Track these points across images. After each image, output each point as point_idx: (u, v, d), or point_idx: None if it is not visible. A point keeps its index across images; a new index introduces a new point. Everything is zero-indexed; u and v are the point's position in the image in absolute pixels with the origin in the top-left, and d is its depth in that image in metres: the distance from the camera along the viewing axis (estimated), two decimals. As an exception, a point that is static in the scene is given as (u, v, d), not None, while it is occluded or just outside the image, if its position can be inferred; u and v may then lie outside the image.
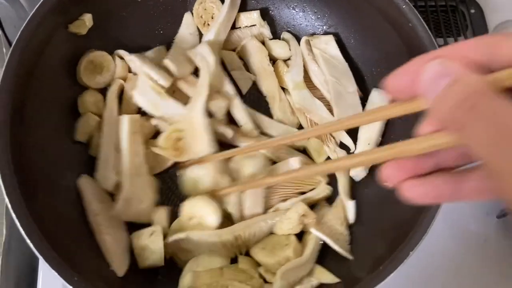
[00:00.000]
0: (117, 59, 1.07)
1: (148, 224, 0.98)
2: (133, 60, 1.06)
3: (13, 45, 0.87)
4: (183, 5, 1.17)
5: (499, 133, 0.40)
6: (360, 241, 0.98)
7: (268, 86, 1.13)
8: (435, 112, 0.49)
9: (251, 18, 1.16)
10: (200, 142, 0.98)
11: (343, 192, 1.03)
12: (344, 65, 1.11)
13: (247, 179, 1.00)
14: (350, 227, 1.01)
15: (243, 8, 1.18)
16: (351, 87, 1.09)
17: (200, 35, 1.17)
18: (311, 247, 0.94)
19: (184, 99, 1.05)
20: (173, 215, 1.00)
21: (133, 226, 0.98)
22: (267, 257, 0.93)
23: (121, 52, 1.07)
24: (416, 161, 0.55)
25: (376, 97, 1.08)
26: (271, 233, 0.98)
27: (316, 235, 0.94)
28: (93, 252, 0.92)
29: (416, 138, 0.54)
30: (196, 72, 1.08)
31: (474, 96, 0.43)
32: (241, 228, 0.93)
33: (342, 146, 1.10)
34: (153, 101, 1.03)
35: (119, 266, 0.92)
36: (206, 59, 1.05)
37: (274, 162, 1.06)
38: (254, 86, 1.15)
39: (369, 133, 1.05)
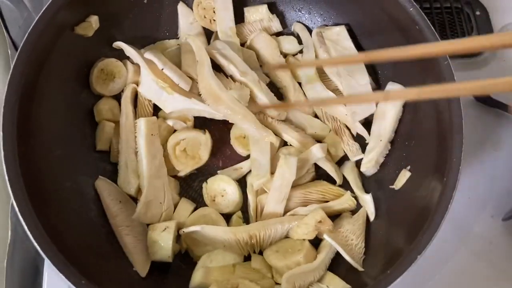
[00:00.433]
0: (129, 64, 1.07)
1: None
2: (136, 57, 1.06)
3: (19, 48, 0.87)
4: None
5: None
6: (369, 244, 0.98)
7: (282, 77, 1.13)
8: None
9: (259, 12, 1.16)
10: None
11: (357, 187, 1.04)
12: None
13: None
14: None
15: (251, 2, 1.18)
16: (363, 79, 1.08)
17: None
18: (323, 254, 0.94)
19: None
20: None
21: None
22: (277, 260, 0.94)
23: (128, 49, 1.07)
24: None
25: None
26: (286, 236, 0.99)
27: (330, 243, 0.95)
28: (106, 255, 0.94)
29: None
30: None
31: None
32: (256, 228, 0.94)
33: (358, 137, 1.11)
34: (159, 96, 1.04)
35: (141, 266, 0.94)
36: (188, 38, 1.07)
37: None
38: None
39: (382, 129, 1.05)
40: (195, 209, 1.03)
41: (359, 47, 1.12)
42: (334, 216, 1.02)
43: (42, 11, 0.89)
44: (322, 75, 1.12)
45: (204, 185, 1.03)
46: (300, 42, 1.16)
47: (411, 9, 0.95)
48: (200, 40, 1.07)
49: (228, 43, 1.09)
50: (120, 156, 1.02)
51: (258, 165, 1.01)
